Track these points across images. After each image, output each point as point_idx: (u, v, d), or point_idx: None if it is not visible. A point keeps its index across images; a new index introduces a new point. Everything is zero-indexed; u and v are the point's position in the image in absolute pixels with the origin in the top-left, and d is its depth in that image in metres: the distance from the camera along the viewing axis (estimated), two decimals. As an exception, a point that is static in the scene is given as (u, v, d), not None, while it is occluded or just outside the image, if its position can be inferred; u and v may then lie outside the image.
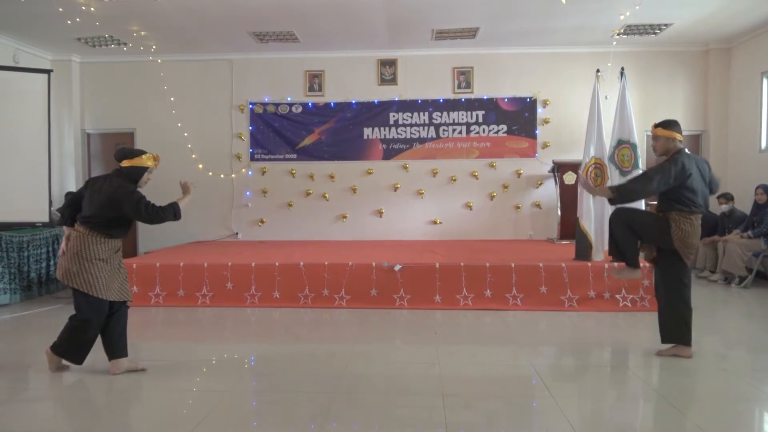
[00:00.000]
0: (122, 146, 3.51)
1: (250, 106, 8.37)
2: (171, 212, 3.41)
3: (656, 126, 3.69)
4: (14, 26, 6.95)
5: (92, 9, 6.08)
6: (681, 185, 3.53)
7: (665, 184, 3.52)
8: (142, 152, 3.44)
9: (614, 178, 5.86)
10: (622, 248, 3.78)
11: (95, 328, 3.38)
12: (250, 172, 8.38)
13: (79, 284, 3.27)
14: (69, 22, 6.42)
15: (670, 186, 3.52)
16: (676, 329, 3.68)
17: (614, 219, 3.79)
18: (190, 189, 3.64)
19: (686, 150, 3.67)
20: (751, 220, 6.66)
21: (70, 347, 3.38)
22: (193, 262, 5.70)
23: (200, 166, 8.17)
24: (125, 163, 3.40)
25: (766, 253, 6.32)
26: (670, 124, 3.66)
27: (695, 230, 3.58)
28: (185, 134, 8.25)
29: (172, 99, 8.28)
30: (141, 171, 3.42)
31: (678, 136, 3.63)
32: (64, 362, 3.48)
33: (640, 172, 5.90)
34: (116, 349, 3.45)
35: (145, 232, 8.55)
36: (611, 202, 3.75)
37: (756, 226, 6.50)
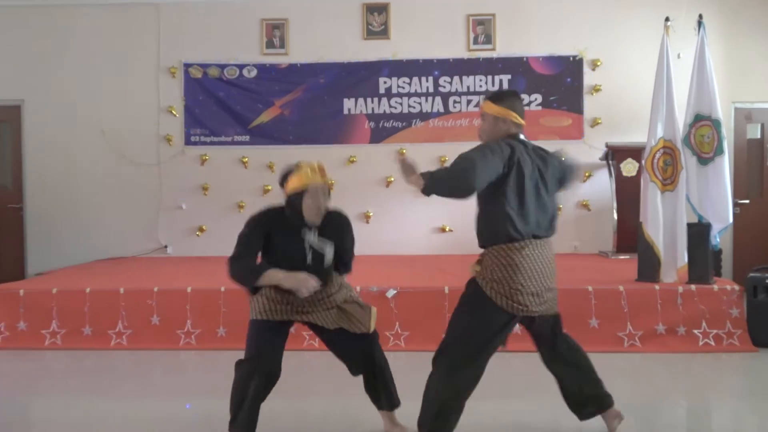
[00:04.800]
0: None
1: (185, 68, 8.39)
2: (244, 274, 3.50)
3: (486, 99, 3.32)
4: None
5: None
6: (499, 191, 3.09)
7: (494, 171, 2.99)
8: (295, 166, 3.38)
9: (690, 168, 5.92)
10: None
11: (256, 378, 3.32)
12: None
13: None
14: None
15: (500, 174, 3.02)
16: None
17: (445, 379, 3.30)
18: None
19: (526, 140, 3.31)
20: None
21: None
22: (104, 288, 5.69)
23: (123, 156, 8.14)
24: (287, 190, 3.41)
25: None
26: (503, 98, 3.29)
27: (518, 269, 3.35)
28: (97, 121, 8.23)
29: (75, 59, 8.27)
30: (294, 199, 3.37)
31: (514, 117, 3.20)
32: None
33: (725, 158, 5.97)
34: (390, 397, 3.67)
35: (35, 246, 8.48)
36: (424, 192, 3.11)
37: None
